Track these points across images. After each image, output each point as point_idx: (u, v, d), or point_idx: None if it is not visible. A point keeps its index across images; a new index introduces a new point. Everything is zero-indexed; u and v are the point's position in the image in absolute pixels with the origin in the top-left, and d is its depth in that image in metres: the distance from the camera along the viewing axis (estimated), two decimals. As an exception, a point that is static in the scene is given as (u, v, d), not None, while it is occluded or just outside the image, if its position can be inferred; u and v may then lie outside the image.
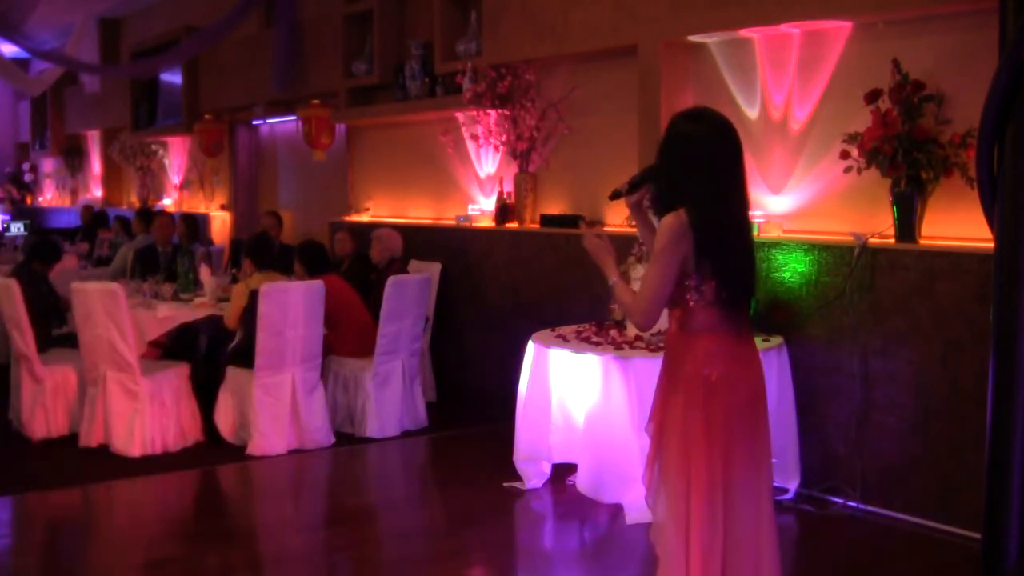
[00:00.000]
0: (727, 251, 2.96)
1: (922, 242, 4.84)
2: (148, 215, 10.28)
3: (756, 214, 5.63)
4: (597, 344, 5.09)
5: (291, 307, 6.03)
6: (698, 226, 2.90)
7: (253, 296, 6.06)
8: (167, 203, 13.21)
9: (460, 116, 7.69)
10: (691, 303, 2.98)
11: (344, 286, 6.79)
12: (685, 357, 3.04)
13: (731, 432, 3.01)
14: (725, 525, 3.02)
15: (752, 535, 3.06)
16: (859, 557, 4.49)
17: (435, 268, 7.61)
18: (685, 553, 3.03)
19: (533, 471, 5.32)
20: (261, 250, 6.57)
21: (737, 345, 3.05)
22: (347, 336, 6.66)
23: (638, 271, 5.32)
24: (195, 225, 9.50)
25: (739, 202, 3.03)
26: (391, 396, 6.53)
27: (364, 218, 9.03)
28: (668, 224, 2.92)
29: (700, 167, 2.95)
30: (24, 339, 6.34)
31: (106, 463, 5.91)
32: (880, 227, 4.96)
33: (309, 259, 6.78)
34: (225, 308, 6.57)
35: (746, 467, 3.04)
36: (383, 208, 9.03)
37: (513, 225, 7.25)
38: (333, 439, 6.31)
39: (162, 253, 8.56)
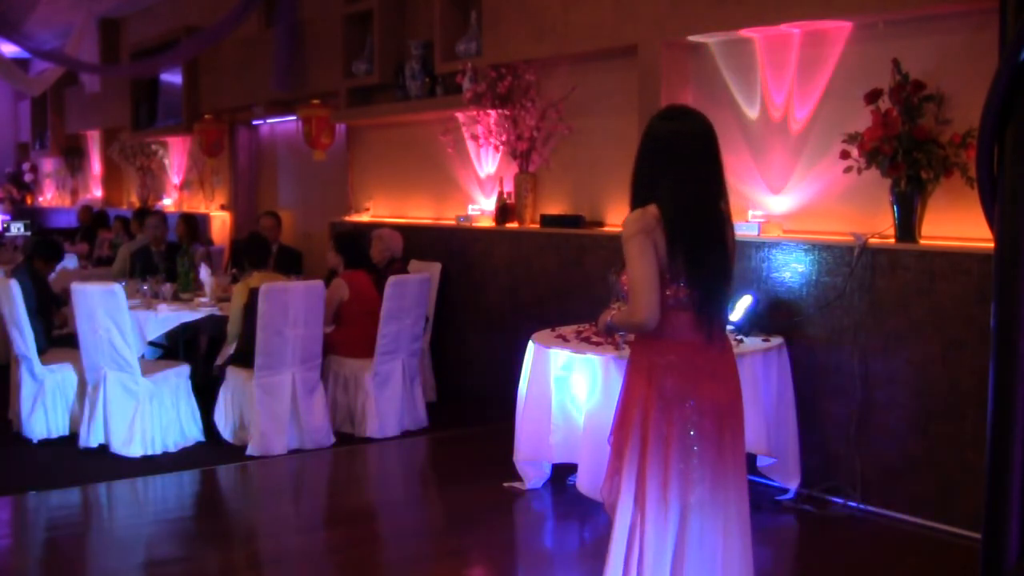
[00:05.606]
0: (698, 249, 2.89)
1: (922, 242, 4.84)
2: (143, 215, 10.27)
3: (756, 214, 5.63)
4: (597, 344, 5.08)
5: (291, 307, 6.04)
6: (668, 221, 2.87)
7: (252, 295, 6.06)
8: (167, 203, 13.20)
9: (460, 116, 7.69)
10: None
11: (371, 287, 6.71)
12: (646, 367, 2.96)
13: (690, 448, 2.89)
14: (681, 545, 2.90)
15: (718, 554, 2.94)
16: (859, 557, 4.49)
17: (435, 268, 7.60)
18: (626, 566, 2.96)
19: (533, 471, 5.33)
20: (256, 249, 6.66)
21: (703, 354, 2.94)
22: (353, 335, 6.64)
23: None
24: (195, 225, 9.50)
25: (712, 201, 2.96)
26: (391, 396, 6.52)
27: (364, 218, 9.02)
28: (631, 216, 2.91)
29: (671, 165, 2.93)
30: (24, 339, 6.34)
31: (106, 463, 5.91)
32: (880, 227, 4.97)
33: (347, 249, 6.81)
34: (226, 308, 6.58)
35: (712, 485, 2.92)
36: (383, 208, 9.03)
37: (513, 225, 7.25)
38: (333, 439, 6.31)
39: (155, 252, 8.55)
